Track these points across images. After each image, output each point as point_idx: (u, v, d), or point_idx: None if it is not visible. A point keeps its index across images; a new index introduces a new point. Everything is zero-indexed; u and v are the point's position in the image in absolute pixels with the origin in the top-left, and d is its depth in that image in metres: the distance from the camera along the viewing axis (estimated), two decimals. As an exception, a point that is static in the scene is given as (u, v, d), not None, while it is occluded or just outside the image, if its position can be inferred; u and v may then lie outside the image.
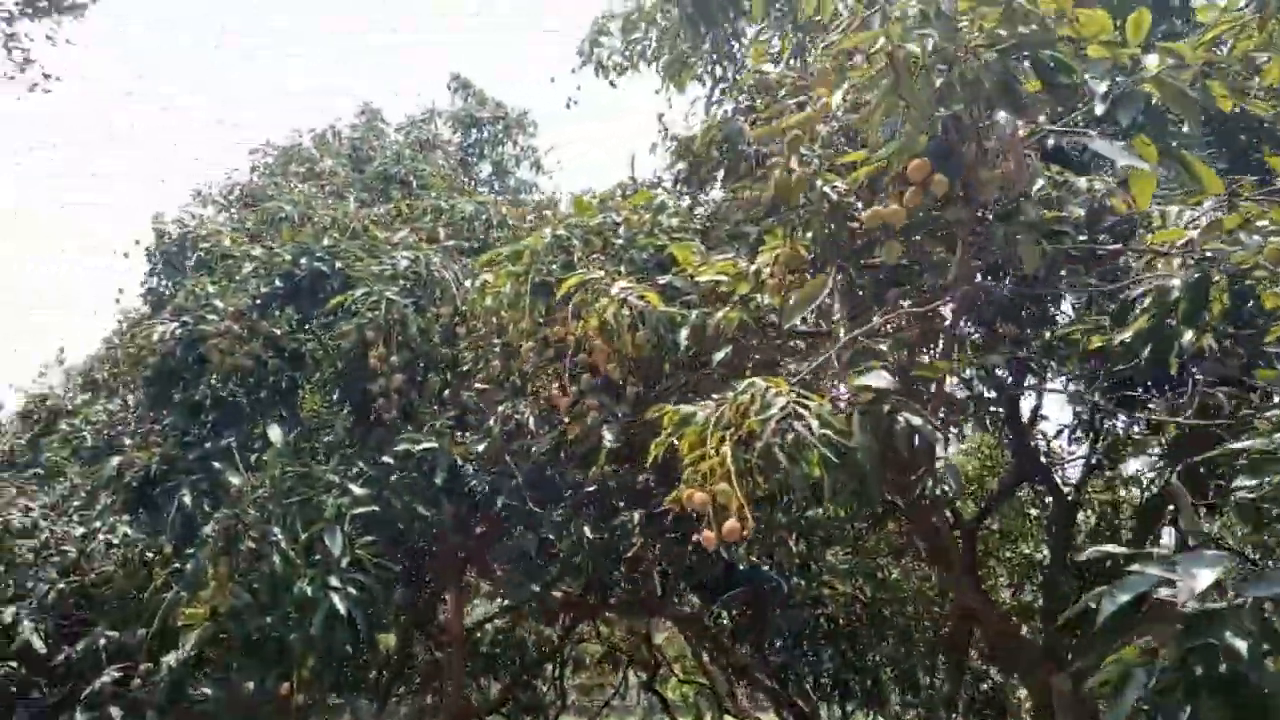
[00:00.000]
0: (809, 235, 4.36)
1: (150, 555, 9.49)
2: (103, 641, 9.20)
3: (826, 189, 4.25)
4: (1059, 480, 9.09)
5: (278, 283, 7.00)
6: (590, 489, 6.11)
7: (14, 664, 10.30)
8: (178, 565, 6.42)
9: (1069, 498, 8.98)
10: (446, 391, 6.86)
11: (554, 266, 5.85)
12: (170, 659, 6.66)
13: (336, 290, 6.96)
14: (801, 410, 3.13)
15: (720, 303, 4.60)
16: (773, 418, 3.05)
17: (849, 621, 14.26)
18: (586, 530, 6.01)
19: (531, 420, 6.25)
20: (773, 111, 4.93)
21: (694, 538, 3.25)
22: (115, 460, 8.63)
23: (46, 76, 18.25)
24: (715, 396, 4.66)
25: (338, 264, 7.07)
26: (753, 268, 4.58)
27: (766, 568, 11.60)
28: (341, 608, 5.19)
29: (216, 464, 7.58)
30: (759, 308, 4.49)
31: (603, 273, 4.86)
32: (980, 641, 11.79)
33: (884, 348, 4.01)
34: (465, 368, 6.84)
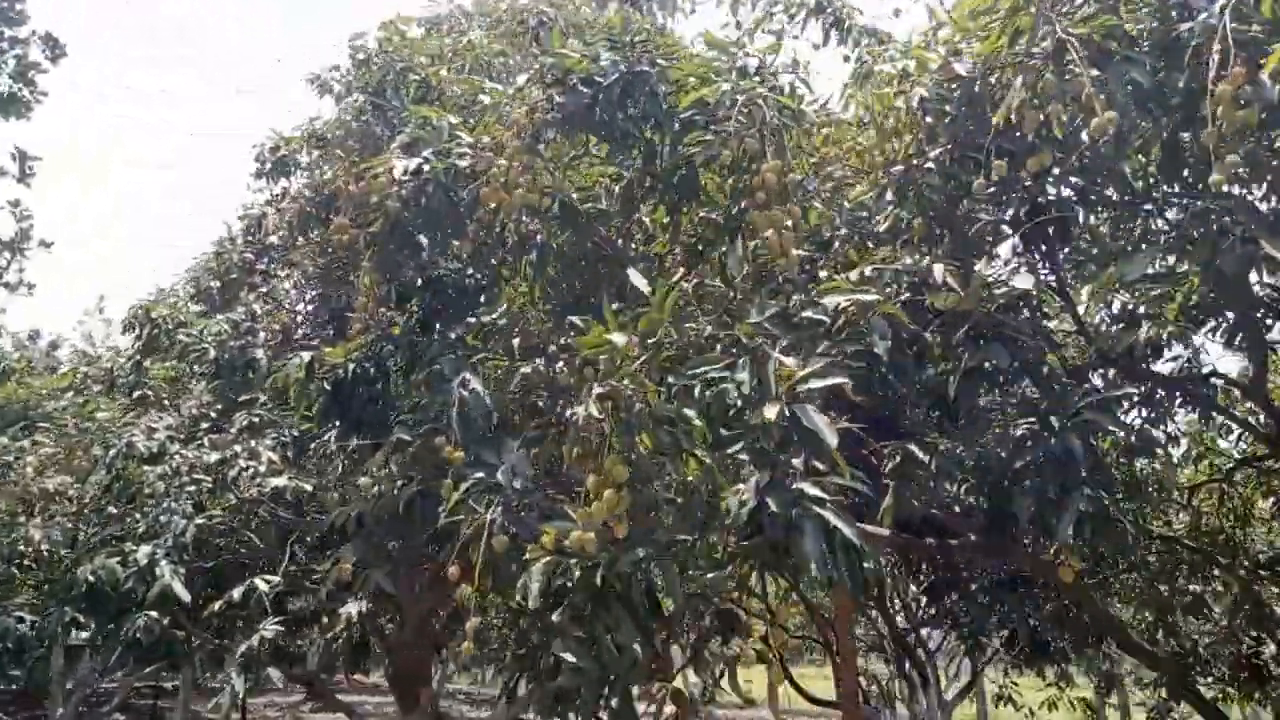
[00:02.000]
0: None
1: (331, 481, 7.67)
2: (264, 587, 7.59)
3: None
4: None
5: (581, 87, 4.92)
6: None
7: (152, 613, 8.49)
8: (478, 475, 4.44)
9: None
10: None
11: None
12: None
13: (658, 99, 4.92)
14: None
15: None
16: None
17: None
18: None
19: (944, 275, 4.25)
20: None
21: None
22: (305, 355, 6.71)
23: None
24: None
25: (659, 62, 5.01)
26: None
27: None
28: (849, 533, 3.19)
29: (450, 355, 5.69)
30: None
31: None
32: None
33: None
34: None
